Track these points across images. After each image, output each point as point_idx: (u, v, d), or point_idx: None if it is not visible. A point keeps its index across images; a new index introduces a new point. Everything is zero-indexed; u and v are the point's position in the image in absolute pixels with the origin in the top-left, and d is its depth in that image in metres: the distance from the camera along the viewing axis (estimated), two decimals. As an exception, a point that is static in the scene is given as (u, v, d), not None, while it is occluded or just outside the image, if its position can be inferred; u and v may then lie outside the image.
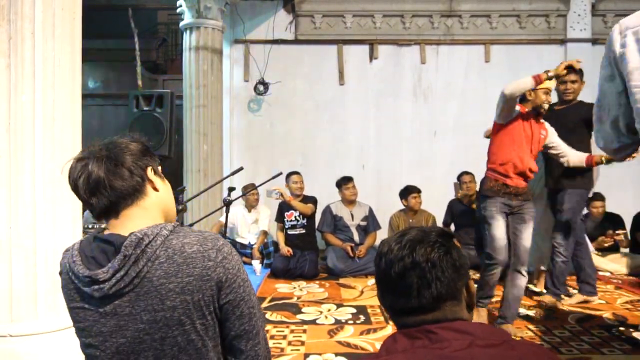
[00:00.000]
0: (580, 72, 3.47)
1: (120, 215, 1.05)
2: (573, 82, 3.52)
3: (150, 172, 1.08)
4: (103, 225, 1.09)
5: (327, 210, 5.07)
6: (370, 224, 5.09)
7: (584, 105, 3.48)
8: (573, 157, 3.14)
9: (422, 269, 0.89)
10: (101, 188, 1.02)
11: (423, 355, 0.83)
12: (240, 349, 1.06)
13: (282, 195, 4.71)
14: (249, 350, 1.06)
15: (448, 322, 0.87)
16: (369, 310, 3.52)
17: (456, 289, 0.91)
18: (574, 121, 3.43)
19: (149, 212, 1.07)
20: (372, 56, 6.18)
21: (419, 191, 5.14)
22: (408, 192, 5.13)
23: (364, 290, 4.14)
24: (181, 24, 5.49)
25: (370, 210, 5.14)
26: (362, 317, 3.35)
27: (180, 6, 5.42)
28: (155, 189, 1.09)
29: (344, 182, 5.08)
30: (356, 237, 5.01)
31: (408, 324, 0.90)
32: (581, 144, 3.33)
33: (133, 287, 0.97)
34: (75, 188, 1.05)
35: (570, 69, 3.23)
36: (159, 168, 1.14)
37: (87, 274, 0.99)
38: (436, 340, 0.84)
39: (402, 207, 5.25)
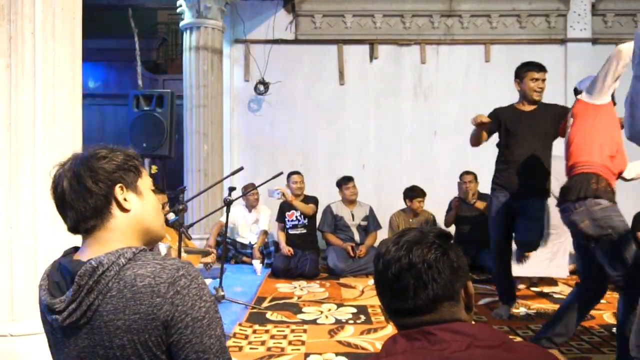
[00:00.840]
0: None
1: (88, 236, 0.99)
2: (544, 80, 3.17)
3: (118, 191, 0.99)
4: (75, 246, 1.04)
5: (328, 210, 5.07)
6: (370, 223, 5.09)
7: (551, 107, 3.21)
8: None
9: (418, 270, 0.89)
10: (65, 204, 0.98)
11: (423, 357, 0.83)
12: None
13: (284, 195, 4.71)
14: None
15: (446, 323, 0.87)
16: (370, 310, 3.52)
17: (454, 290, 0.90)
18: (544, 125, 3.12)
19: (115, 234, 0.98)
20: (372, 56, 6.18)
21: (424, 195, 5.13)
22: (414, 194, 5.11)
23: (365, 290, 4.14)
24: (181, 23, 5.50)
25: (371, 210, 5.14)
26: (362, 317, 3.35)
27: (181, 6, 5.42)
28: (124, 209, 0.99)
29: (344, 182, 5.08)
30: (357, 237, 5.01)
31: (407, 325, 0.90)
32: (547, 151, 3.16)
33: (87, 320, 0.91)
34: (52, 194, 1.01)
35: (537, 66, 3.10)
36: (144, 180, 1.05)
37: (46, 302, 0.95)
38: (435, 342, 0.84)
39: (403, 206, 5.24)
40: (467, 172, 5.14)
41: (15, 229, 1.93)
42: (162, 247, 2.92)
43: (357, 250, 4.84)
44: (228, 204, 3.44)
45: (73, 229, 1.00)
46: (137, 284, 0.90)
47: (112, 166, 0.99)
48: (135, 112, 5.10)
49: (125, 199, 1.00)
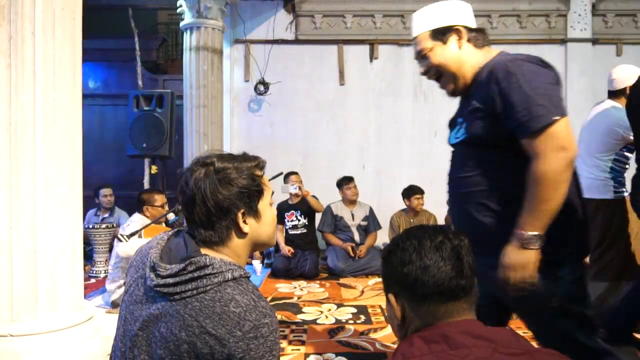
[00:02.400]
0: None
1: (204, 244, 1.06)
2: None
3: (240, 217, 1.04)
4: None
5: (328, 210, 5.07)
6: (370, 224, 5.09)
7: None
8: None
9: (466, 254, 0.94)
10: (189, 211, 1.03)
11: None
12: None
13: (300, 189, 4.71)
14: None
15: (464, 321, 0.87)
16: (370, 310, 3.52)
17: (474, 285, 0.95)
18: None
19: (229, 251, 1.05)
20: (372, 56, 6.18)
21: (422, 192, 5.13)
22: (411, 192, 5.12)
23: (365, 290, 4.14)
24: (181, 24, 5.49)
25: (371, 210, 5.13)
26: (362, 317, 3.35)
27: (181, 6, 5.42)
28: (242, 233, 1.05)
29: (344, 182, 5.08)
30: (357, 237, 5.01)
31: (435, 313, 0.90)
32: None
33: (171, 300, 0.97)
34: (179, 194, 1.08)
35: None
36: (265, 199, 1.09)
37: (154, 260, 1.02)
38: (455, 346, 0.82)
39: (403, 206, 5.24)
40: None
41: (15, 229, 1.93)
42: None
43: (357, 250, 4.84)
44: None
45: (191, 231, 1.06)
46: (229, 307, 0.94)
47: (237, 191, 1.03)
48: (135, 112, 5.09)
49: (245, 222, 1.05)
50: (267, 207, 1.10)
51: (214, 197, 1.01)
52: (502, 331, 0.87)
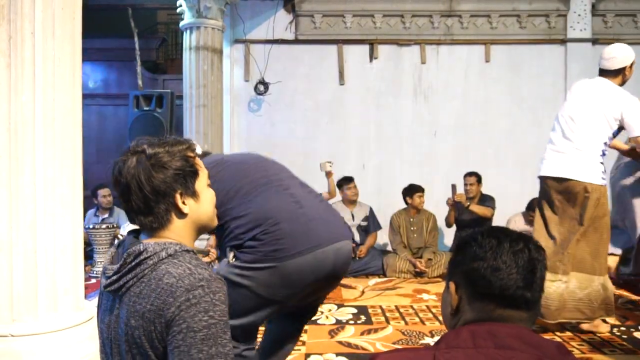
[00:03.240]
0: None
1: (146, 231, 1.09)
2: None
3: (178, 198, 1.05)
4: None
5: None
6: (370, 224, 5.09)
7: None
8: None
9: (543, 268, 0.91)
10: (125, 199, 1.04)
11: (485, 358, 0.79)
12: None
13: (330, 172, 4.73)
14: None
15: (517, 327, 0.86)
16: (370, 311, 3.52)
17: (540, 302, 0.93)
18: None
19: (171, 234, 1.06)
20: (372, 56, 6.18)
21: (423, 190, 5.13)
22: (413, 190, 5.11)
23: (365, 291, 4.14)
24: (181, 23, 5.49)
25: (371, 211, 5.13)
26: (363, 317, 3.34)
27: (180, 6, 5.41)
28: (182, 214, 1.06)
29: (345, 182, 5.08)
30: (357, 237, 5.00)
31: (485, 313, 0.89)
32: None
33: (121, 294, 1.01)
34: (114, 184, 1.08)
35: None
36: (201, 179, 1.10)
37: (104, 265, 1.07)
38: (501, 347, 0.81)
39: (403, 206, 5.23)
40: (470, 174, 5.08)
41: (15, 229, 1.93)
42: None
43: (357, 250, 4.84)
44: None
45: (132, 220, 1.08)
46: (162, 280, 0.97)
47: (172, 174, 1.04)
48: (135, 112, 5.10)
49: (184, 203, 1.06)
50: (205, 188, 1.12)
51: (150, 183, 1.02)
52: (552, 343, 0.85)
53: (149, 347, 0.97)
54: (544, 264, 0.91)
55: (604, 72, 2.95)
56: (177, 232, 1.07)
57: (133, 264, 0.99)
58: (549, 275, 2.34)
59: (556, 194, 2.88)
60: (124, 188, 1.04)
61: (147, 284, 0.98)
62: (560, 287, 2.81)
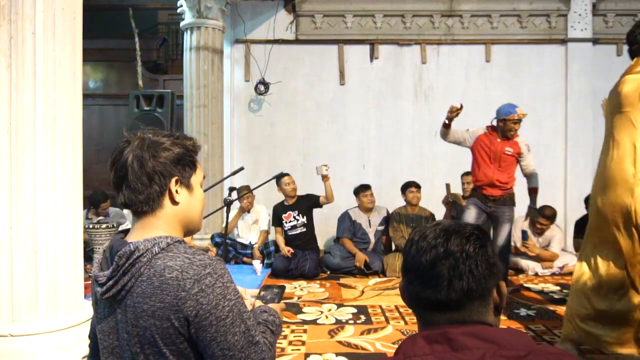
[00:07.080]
0: None
1: (138, 219, 1.06)
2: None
3: (173, 184, 1.05)
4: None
5: (346, 216, 5.09)
6: (386, 225, 5.16)
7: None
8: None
9: (456, 259, 0.84)
10: (123, 181, 1.03)
11: None
12: None
13: (327, 176, 4.67)
14: None
15: (472, 325, 0.83)
16: (370, 310, 3.52)
17: (487, 288, 0.85)
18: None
19: (161, 223, 1.05)
20: (372, 56, 6.18)
21: (417, 186, 5.14)
22: (406, 186, 5.17)
23: (365, 290, 4.14)
24: (182, 23, 5.50)
25: (387, 212, 5.18)
26: (362, 317, 3.35)
27: (181, 6, 5.42)
28: (174, 202, 1.06)
29: (361, 190, 5.10)
30: (373, 242, 5.06)
31: (434, 321, 0.86)
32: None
33: (121, 297, 0.99)
34: (110, 167, 1.06)
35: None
36: (197, 175, 1.11)
37: (94, 273, 1.04)
38: (458, 348, 0.79)
39: (403, 204, 5.25)
40: (467, 173, 5.10)
41: (15, 229, 1.93)
42: None
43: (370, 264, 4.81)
44: (228, 204, 3.44)
45: (125, 205, 1.06)
46: (165, 275, 0.95)
47: (173, 157, 1.05)
48: (135, 112, 5.10)
49: (177, 192, 1.06)
50: (199, 185, 1.12)
51: (151, 161, 1.02)
52: (508, 331, 0.83)
53: (163, 345, 0.96)
54: (445, 252, 0.85)
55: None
56: (166, 220, 1.06)
57: (127, 264, 0.97)
58: None
59: None
60: (122, 165, 1.03)
61: (147, 281, 0.96)
62: None
